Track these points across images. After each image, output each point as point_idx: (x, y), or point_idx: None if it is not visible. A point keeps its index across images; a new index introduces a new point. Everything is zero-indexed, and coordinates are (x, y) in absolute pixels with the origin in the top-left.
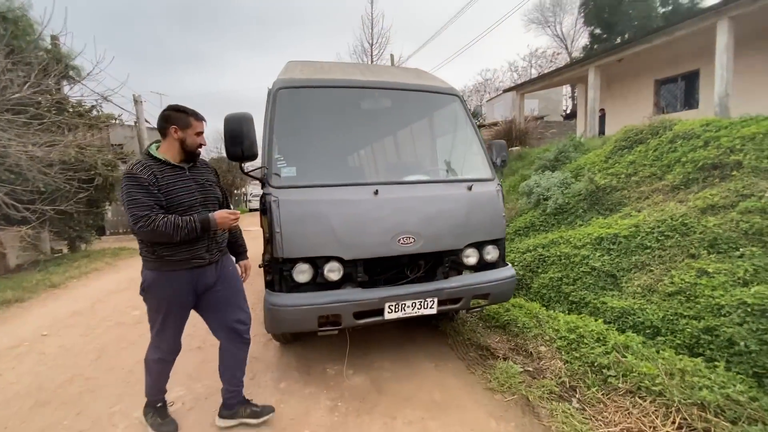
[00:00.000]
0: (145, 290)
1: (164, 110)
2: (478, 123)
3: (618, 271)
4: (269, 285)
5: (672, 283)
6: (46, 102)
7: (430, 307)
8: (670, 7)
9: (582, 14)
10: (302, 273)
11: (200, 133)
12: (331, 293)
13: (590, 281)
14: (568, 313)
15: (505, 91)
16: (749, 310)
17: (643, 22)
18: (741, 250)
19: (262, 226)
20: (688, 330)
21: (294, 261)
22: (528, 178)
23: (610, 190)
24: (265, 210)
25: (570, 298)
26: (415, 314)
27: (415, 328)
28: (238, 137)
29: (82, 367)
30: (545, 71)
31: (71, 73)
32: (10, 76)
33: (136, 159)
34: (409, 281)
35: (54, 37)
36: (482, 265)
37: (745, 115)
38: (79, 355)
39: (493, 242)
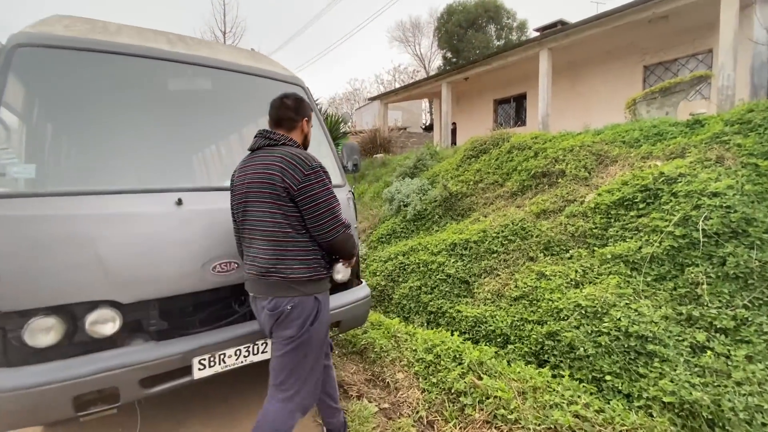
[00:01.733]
0: (315, 323)
1: (290, 97)
2: (348, 131)
3: (470, 276)
4: None
5: (516, 287)
6: None
7: (263, 351)
8: (503, 41)
9: (436, 38)
10: (44, 332)
11: None
12: (96, 357)
13: (446, 289)
14: (428, 326)
15: (370, 99)
16: (584, 312)
17: (483, 51)
18: (570, 252)
19: None
20: (534, 336)
21: (27, 314)
22: (390, 184)
23: (461, 196)
24: None
25: (429, 308)
26: (240, 364)
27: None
28: None
29: None
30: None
31: None
32: None
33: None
34: (229, 322)
35: None
36: (332, 287)
37: (562, 130)
38: None
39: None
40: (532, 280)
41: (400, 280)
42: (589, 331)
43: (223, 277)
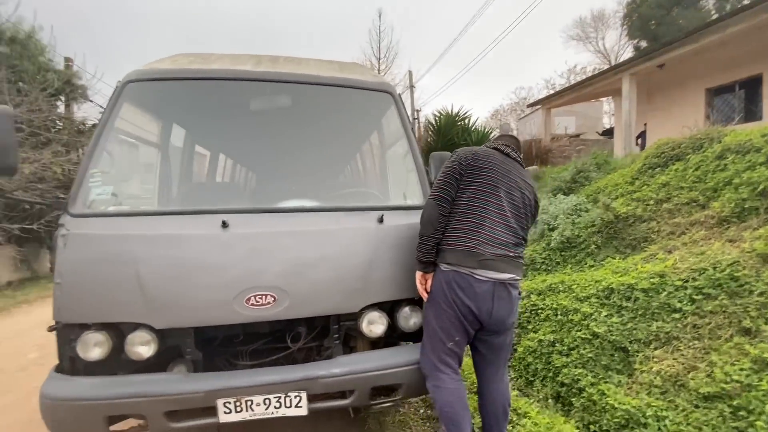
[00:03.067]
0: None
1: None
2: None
3: (631, 343)
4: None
5: (712, 376)
6: (39, 120)
7: (297, 405)
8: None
9: (625, 28)
10: (93, 346)
11: None
12: (127, 380)
13: (590, 354)
14: (554, 402)
15: (530, 106)
16: None
17: None
18: None
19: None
20: None
21: (80, 328)
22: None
23: (633, 220)
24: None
25: (560, 378)
26: (270, 415)
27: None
28: None
29: None
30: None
31: (78, 92)
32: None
33: None
34: (260, 363)
35: (67, 59)
36: (397, 336)
37: None
38: None
39: (416, 301)
40: (744, 369)
41: (530, 327)
42: None
43: (257, 311)
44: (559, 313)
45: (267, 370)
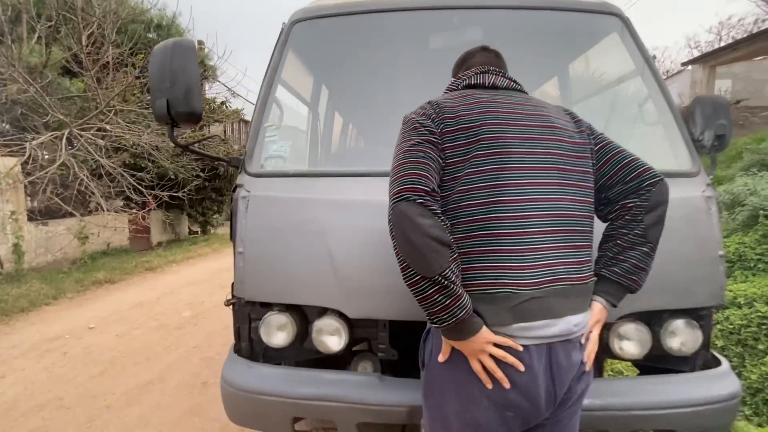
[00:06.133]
0: None
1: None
2: None
3: None
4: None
5: None
6: None
7: None
8: None
9: None
10: (276, 330)
11: None
12: (316, 377)
13: None
14: None
15: (685, 64)
16: None
17: None
18: None
19: (231, 237)
20: None
21: (262, 307)
22: (729, 180)
23: None
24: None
25: None
26: None
27: None
28: (166, 79)
29: (74, 385)
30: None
31: (209, 73)
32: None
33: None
34: None
35: (200, 42)
36: (654, 358)
37: None
38: (88, 365)
39: (689, 313)
40: None
41: (760, 347)
42: None
43: None
44: None
45: None
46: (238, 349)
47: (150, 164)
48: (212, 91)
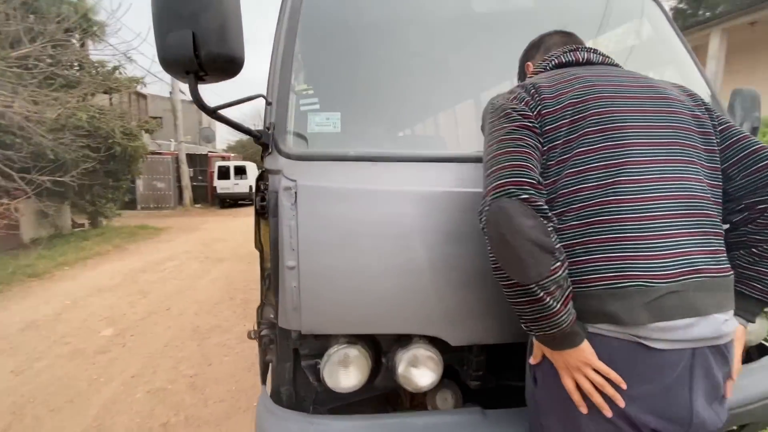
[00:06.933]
0: None
1: None
2: None
3: None
4: (267, 381)
5: None
6: (63, 60)
7: None
8: None
9: None
10: (348, 370)
11: None
12: (408, 423)
13: None
14: None
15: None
16: None
17: None
18: None
19: (258, 244)
20: None
21: (317, 339)
22: None
23: None
24: (265, 210)
25: None
26: None
27: None
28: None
29: None
30: None
31: (95, 29)
32: (19, 26)
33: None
34: None
35: None
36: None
37: None
38: None
39: None
40: None
41: None
42: None
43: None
44: None
45: None
46: (273, 396)
47: (21, 140)
48: (101, 54)
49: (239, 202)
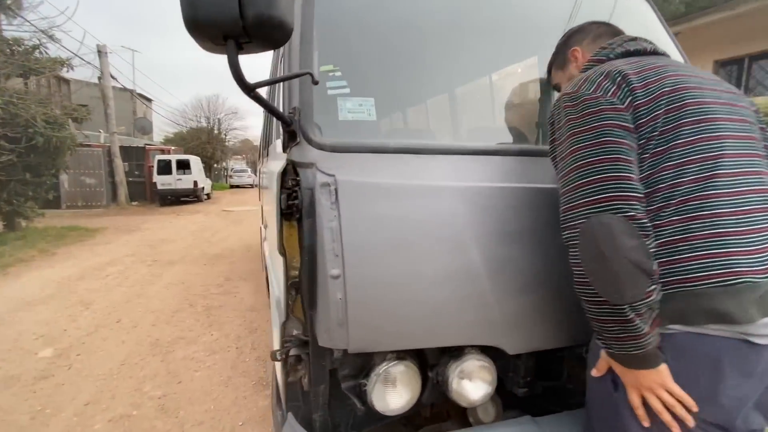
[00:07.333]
0: None
1: None
2: None
3: None
4: (295, 408)
5: None
6: None
7: None
8: None
9: None
10: (397, 389)
11: None
12: None
13: None
14: None
15: None
16: None
17: None
18: None
19: (281, 248)
20: None
21: (368, 357)
22: None
23: None
24: (291, 210)
25: None
26: None
27: None
28: None
29: None
30: None
31: (8, 2)
32: None
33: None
34: None
35: None
36: None
37: None
38: None
39: None
40: None
41: None
42: None
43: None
44: None
45: None
46: (309, 424)
47: None
48: (18, 30)
49: (182, 198)
